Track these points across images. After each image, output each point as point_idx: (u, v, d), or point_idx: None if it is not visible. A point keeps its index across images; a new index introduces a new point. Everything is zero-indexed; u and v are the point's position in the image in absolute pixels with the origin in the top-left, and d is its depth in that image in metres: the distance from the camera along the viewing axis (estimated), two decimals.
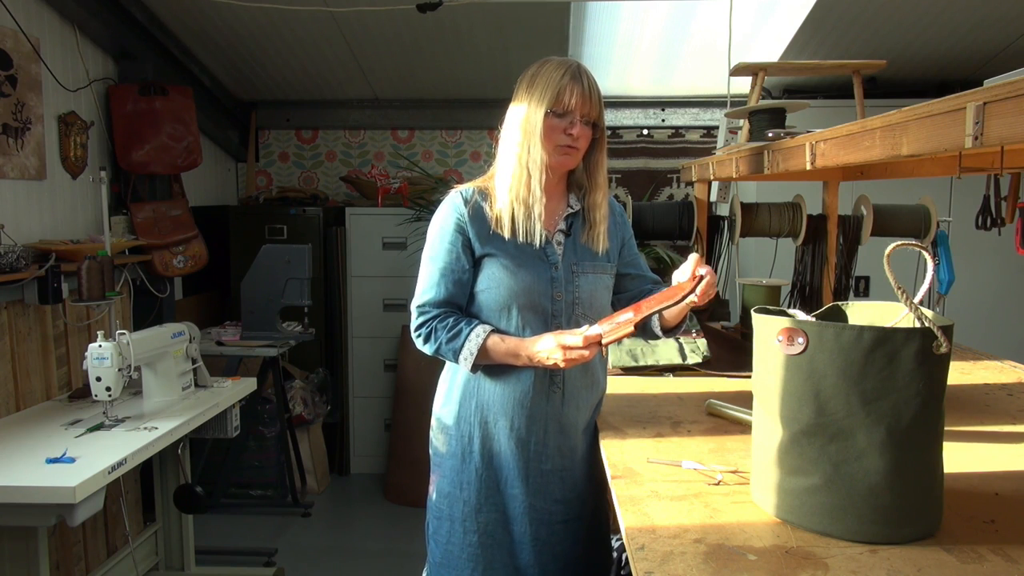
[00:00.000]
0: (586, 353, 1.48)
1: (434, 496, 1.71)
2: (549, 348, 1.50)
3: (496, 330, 1.59)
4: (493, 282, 1.59)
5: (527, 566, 1.65)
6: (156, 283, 3.35)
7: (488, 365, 1.61)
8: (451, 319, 1.59)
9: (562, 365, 1.50)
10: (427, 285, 1.62)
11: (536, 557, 1.65)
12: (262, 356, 3.53)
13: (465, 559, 1.65)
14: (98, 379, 2.18)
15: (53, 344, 2.76)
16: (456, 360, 1.59)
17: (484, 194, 1.64)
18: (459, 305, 1.63)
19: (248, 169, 4.63)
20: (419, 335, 1.62)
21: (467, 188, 1.66)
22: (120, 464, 1.99)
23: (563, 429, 1.65)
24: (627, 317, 1.49)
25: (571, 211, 1.68)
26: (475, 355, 1.56)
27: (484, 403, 1.63)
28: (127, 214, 3.32)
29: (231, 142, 4.49)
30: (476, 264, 1.62)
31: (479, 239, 1.60)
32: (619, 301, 1.75)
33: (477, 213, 1.61)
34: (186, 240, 3.45)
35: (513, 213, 1.59)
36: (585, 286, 1.64)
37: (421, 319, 1.62)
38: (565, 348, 1.48)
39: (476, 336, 1.56)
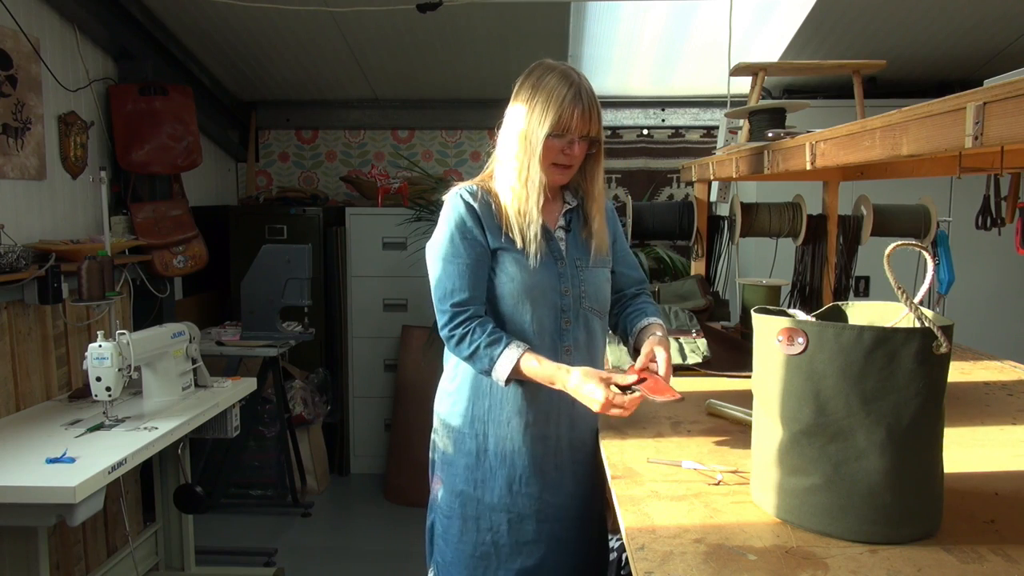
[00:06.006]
0: (626, 413, 1.49)
1: (442, 495, 1.71)
2: (595, 396, 1.49)
3: (532, 349, 1.58)
4: (507, 277, 1.61)
5: (540, 565, 1.65)
6: (156, 283, 3.35)
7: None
8: (490, 325, 1.59)
9: (596, 410, 1.50)
10: (457, 284, 1.59)
11: (549, 556, 1.65)
12: (262, 356, 3.52)
13: (478, 558, 1.65)
14: (98, 379, 2.18)
15: (53, 344, 2.76)
16: (490, 366, 1.56)
17: (488, 192, 1.65)
18: (483, 302, 1.63)
19: (248, 169, 4.63)
20: (453, 335, 1.59)
21: (470, 186, 1.66)
22: (120, 464, 1.99)
23: (574, 423, 1.66)
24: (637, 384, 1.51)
25: (569, 207, 1.70)
26: (514, 364, 1.54)
27: (497, 402, 1.64)
28: (127, 214, 3.32)
29: (231, 142, 4.48)
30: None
31: (492, 235, 1.61)
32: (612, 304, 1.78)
33: (486, 210, 1.62)
34: (186, 240, 3.44)
35: (518, 223, 1.60)
36: (590, 280, 1.67)
37: (459, 319, 1.59)
38: (610, 404, 1.47)
39: (517, 346, 1.56)
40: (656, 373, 1.54)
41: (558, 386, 1.55)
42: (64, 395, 2.69)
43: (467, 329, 1.58)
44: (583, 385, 1.50)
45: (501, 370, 1.56)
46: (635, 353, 1.69)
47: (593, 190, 1.67)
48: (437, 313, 1.62)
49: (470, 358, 1.59)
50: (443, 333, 1.62)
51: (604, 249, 1.70)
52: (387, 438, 4.20)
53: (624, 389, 1.50)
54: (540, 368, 1.55)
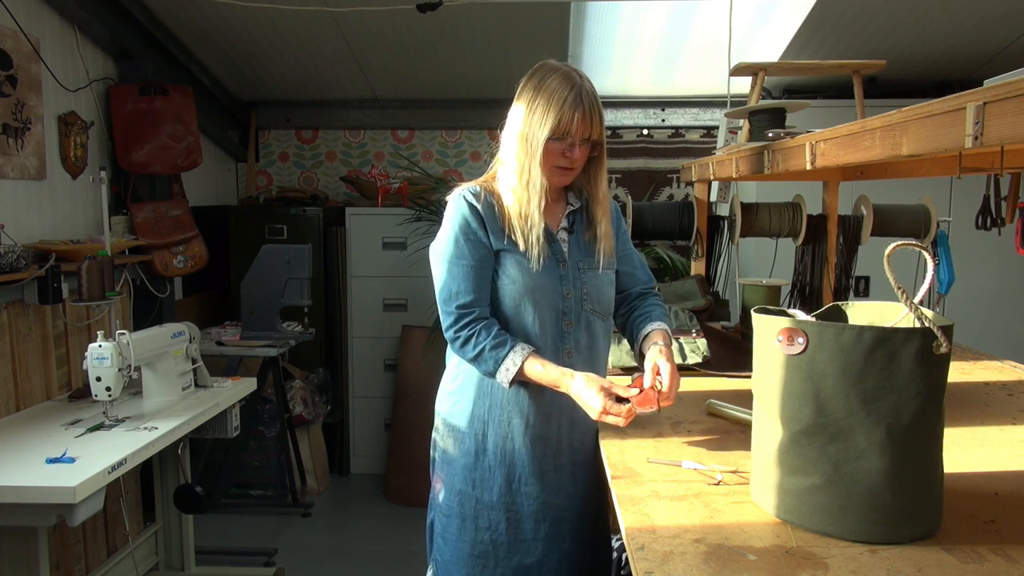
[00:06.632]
0: (622, 422, 1.50)
1: (443, 494, 1.71)
2: (593, 404, 1.51)
3: (536, 352, 1.59)
4: (508, 279, 1.61)
5: (538, 564, 1.66)
6: (156, 283, 3.35)
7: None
8: (495, 327, 1.59)
9: (594, 417, 1.53)
10: (462, 286, 1.60)
11: (547, 555, 1.66)
12: (262, 356, 3.53)
13: (476, 556, 1.66)
14: (98, 379, 2.18)
15: (53, 344, 2.76)
16: (495, 368, 1.58)
17: (490, 193, 1.65)
18: (488, 303, 1.64)
19: (248, 169, 4.63)
20: (458, 337, 1.60)
21: (473, 187, 1.66)
22: (120, 464, 1.99)
23: (574, 424, 1.67)
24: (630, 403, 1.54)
25: (572, 208, 1.70)
26: (518, 366, 1.56)
27: (497, 401, 1.64)
28: (127, 214, 3.32)
29: (231, 142, 4.49)
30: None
31: (495, 236, 1.62)
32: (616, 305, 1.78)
33: (489, 211, 1.63)
34: (186, 240, 3.44)
35: (520, 226, 1.61)
36: (592, 282, 1.67)
37: (464, 320, 1.59)
38: (606, 412, 1.49)
39: (522, 349, 1.57)
40: (658, 388, 1.55)
41: (561, 389, 1.56)
42: (64, 395, 2.69)
43: (472, 331, 1.59)
44: (584, 391, 1.52)
45: (506, 372, 1.57)
46: (640, 358, 1.70)
47: (597, 192, 1.68)
48: (442, 315, 1.63)
49: (475, 360, 1.60)
50: (448, 335, 1.62)
51: (612, 252, 1.70)
52: (387, 438, 4.20)
53: (622, 399, 1.52)
54: (544, 372, 1.56)
